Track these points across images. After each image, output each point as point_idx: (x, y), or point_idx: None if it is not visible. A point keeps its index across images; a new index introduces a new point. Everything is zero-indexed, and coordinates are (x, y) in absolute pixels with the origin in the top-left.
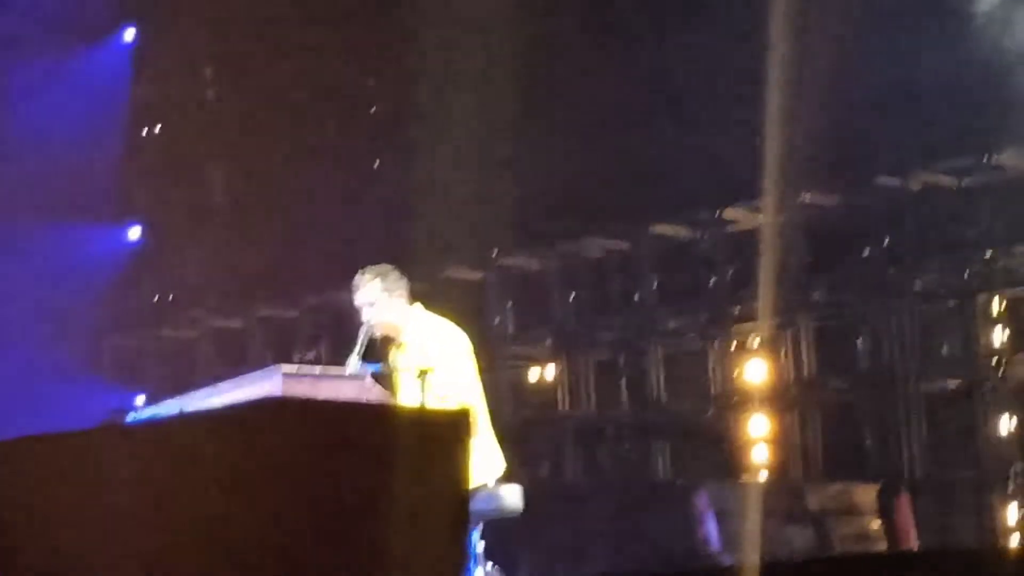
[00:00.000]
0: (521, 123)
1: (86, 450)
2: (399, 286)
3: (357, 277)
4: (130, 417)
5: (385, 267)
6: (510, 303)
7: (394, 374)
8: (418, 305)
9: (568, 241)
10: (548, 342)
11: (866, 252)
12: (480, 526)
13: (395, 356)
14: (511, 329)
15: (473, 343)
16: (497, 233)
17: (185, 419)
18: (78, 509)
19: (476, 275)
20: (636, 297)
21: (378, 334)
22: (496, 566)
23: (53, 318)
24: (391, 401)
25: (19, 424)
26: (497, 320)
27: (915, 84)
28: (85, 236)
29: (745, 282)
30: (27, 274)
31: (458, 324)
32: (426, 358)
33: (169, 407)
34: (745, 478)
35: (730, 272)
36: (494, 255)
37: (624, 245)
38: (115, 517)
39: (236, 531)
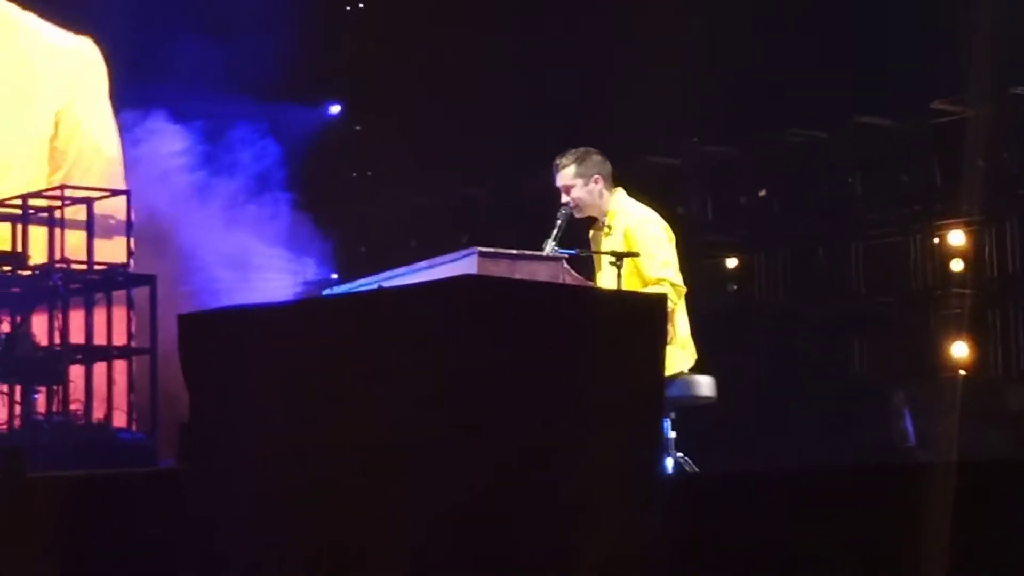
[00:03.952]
0: (725, 10)
1: (286, 323)
2: (601, 169)
3: (558, 159)
4: (327, 292)
5: (587, 150)
6: (708, 191)
7: (593, 258)
8: (620, 190)
9: (768, 130)
10: (745, 231)
11: None
12: (672, 414)
13: (595, 240)
14: (709, 217)
15: (671, 230)
16: (697, 120)
17: (386, 293)
18: (278, 381)
19: (674, 162)
20: (837, 188)
21: (580, 216)
22: (686, 456)
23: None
24: (587, 285)
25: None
26: (694, 208)
27: None
28: (285, 112)
29: (950, 176)
30: (228, 150)
31: (655, 210)
32: (626, 243)
33: (365, 284)
34: (944, 375)
35: (935, 165)
36: (694, 142)
37: (825, 135)
38: (314, 389)
39: (434, 403)
